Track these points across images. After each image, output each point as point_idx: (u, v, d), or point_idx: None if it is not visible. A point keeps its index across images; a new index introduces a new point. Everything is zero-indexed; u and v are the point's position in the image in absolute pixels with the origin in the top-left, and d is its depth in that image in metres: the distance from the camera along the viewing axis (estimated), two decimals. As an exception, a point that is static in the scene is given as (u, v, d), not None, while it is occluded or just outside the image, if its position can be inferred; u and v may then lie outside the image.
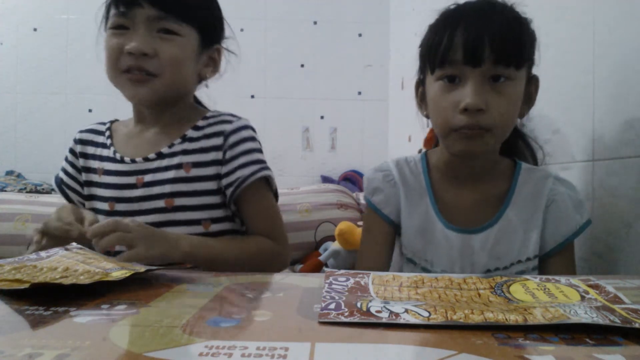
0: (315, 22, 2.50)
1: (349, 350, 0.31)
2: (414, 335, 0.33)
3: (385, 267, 0.81)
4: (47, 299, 0.43)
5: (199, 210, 0.84)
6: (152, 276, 0.55)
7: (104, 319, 0.38)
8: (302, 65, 2.49)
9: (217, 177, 0.84)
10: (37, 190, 2.16)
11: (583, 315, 0.35)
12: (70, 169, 0.92)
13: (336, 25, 2.48)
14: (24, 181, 2.28)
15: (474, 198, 0.78)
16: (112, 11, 0.80)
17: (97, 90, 2.38)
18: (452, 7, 0.73)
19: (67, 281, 0.45)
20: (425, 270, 0.78)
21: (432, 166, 0.82)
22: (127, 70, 0.79)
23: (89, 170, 0.90)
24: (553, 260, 0.76)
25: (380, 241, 0.81)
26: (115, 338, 0.33)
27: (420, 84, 0.79)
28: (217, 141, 0.85)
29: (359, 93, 2.50)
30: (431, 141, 0.86)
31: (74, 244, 0.66)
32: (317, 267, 1.63)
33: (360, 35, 2.47)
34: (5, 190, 2.09)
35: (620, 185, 0.80)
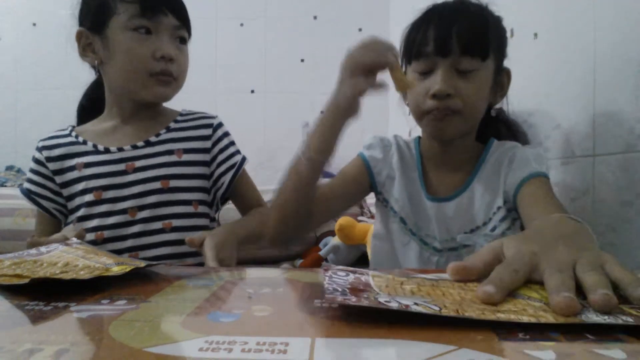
0: (315, 17, 2.49)
1: (349, 345, 0.31)
2: (415, 330, 0.33)
3: (325, 200, 0.86)
4: (47, 294, 0.43)
5: (191, 192, 0.94)
6: (152, 271, 0.55)
7: (104, 314, 0.38)
8: (302, 60, 2.48)
9: (206, 163, 0.96)
10: (37, 185, 2.15)
11: (595, 318, 0.35)
12: (37, 178, 0.94)
13: (336, 20, 2.47)
14: (24, 176, 2.27)
15: (452, 174, 0.87)
16: (132, 12, 0.86)
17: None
18: (430, 6, 0.83)
19: (67, 276, 0.45)
20: (412, 232, 0.87)
21: (422, 150, 0.91)
22: (156, 73, 0.87)
23: (63, 171, 0.93)
24: (521, 194, 0.76)
25: (343, 182, 0.91)
26: (115, 333, 0.33)
27: None
28: (205, 132, 0.97)
29: (359, 88, 2.49)
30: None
31: (74, 239, 0.66)
32: (317, 262, 1.63)
33: (360, 30, 2.45)
34: (5, 186, 2.09)
35: (620, 180, 0.80)
